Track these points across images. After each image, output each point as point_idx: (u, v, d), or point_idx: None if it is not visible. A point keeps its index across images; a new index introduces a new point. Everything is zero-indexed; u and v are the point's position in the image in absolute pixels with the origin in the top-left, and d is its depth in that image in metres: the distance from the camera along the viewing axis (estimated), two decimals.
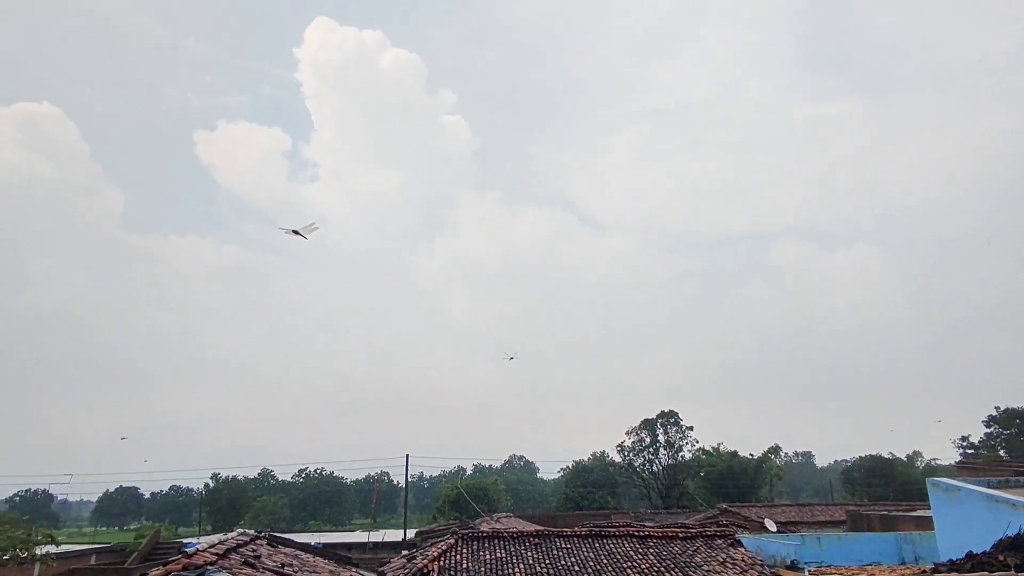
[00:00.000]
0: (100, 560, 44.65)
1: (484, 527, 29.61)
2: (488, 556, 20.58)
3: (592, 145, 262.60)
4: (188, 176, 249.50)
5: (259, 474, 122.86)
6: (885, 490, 76.48)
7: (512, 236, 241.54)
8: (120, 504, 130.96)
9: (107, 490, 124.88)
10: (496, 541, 21.96)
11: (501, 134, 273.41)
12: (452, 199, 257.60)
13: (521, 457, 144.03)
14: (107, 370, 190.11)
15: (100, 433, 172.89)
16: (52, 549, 35.33)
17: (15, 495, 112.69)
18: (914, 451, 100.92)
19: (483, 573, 19.49)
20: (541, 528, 25.66)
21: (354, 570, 19.01)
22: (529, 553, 20.87)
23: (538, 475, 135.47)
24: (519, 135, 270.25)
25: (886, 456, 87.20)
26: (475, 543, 21.73)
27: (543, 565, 20.01)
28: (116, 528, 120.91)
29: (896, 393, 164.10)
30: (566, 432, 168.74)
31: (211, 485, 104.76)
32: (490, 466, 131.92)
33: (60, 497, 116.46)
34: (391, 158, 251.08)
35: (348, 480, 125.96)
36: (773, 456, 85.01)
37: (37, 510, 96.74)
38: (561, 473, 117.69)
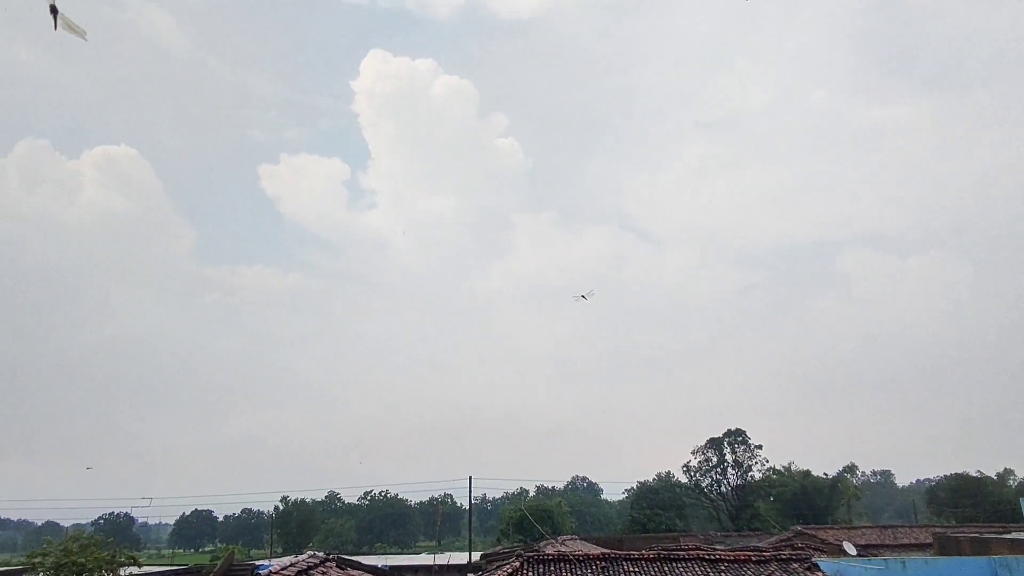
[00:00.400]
0: None
1: (549, 550, 29.24)
2: None
3: (647, 160, 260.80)
4: (254, 208, 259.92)
5: (326, 497, 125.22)
6: (974, 511, 71.88)
7: (569, 255, 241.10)
8: (195, 527, 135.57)
9: (183, 513, 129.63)
10: (562, 564, 21.67)
11: (554, 154, 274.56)
12: (507, 221, 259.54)
13: (584, 478, 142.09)
14: (182, 396, 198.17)
15: (177, 457, 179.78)
16: (135, 570, 36.77)
17: (100, 518, 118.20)
18: (1005, 469, 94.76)
19: None
20: (607, 551, 25.18)
21: None
22: None
23: (602, 496, 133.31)
24: (572, 154, 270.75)
25: (974, 475, 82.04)
26: (541, 566, 21.49)
27: None
28: (192, 550, 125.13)
29: (981, 407, 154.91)
30: (629, 452, 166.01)
31: (281, 508, 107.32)
32: (553, 488, 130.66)
33: (140, 520, 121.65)
34: (446, 182, 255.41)
35: (412, 503, 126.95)
36: (849, 475, 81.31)
37: (120, 532, 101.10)
38: (626, 495, 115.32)
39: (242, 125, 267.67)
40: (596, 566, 21.31)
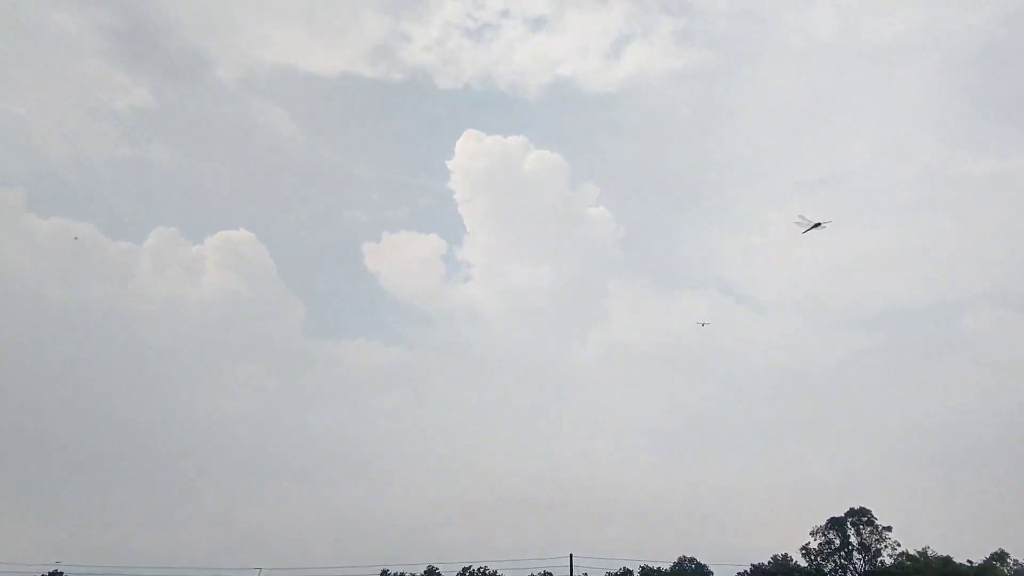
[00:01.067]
0: None
1: None
2: None
3: (744, 223, 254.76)
4: (358, 284, 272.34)
5: (425, 572, 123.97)
6: None
7: (665, 322, 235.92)
8: None
9: None
10: None
11: (646, 221, 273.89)
12: (602, 289, 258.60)
13: (692, 559, 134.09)
14: (289, 468, 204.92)
15: (285, 528, 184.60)
16: None
17: None
18: None
19: None
20: None
21: None
22: None
23: None
24: (665, 220, 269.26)
25: None
26: None
27: None
28: None
29: None
30: (740, 531, 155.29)
31: None
32: (659, 568, 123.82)
33: None
34: (539, 253, 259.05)
35: None
36: (999, 563, 72.16)
37: None
38: None
39: (348, 207, 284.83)
40: None
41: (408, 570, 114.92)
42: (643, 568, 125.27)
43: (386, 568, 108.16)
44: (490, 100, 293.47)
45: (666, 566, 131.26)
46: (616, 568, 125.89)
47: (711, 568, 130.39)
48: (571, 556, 51.64)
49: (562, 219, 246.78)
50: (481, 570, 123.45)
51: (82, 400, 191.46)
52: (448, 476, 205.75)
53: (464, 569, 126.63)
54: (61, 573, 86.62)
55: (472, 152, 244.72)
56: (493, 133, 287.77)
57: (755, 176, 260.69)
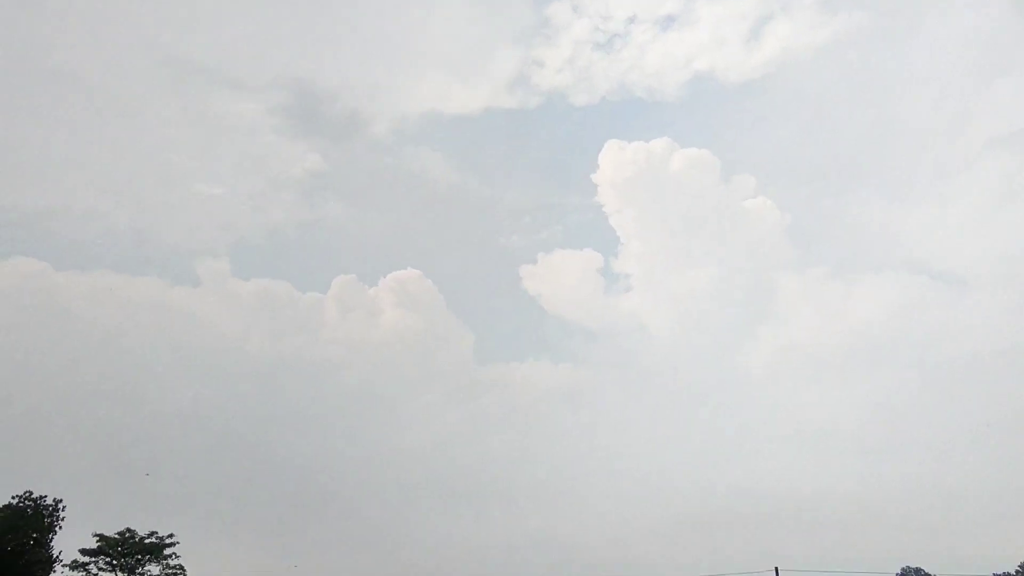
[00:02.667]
0: None
1: None
2: None
3: (930, 193, 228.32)
4: (520, 308, 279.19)
5: None
6: None
7: (848, 313, 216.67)
8: None
9: None
10: None
11: (814, 205, 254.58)
12: (771, 284, 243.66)
13: (917, 569, 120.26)
14: (476, 493, 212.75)
15: (475, 553, 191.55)
16: None
17: None
18: None
19: None
20: None
21: None
22: None
23: None
24: (835, 201, 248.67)
25: None
26: None
27: None
28: None
29: None
30: (971, 537, 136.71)
31: None
32: None
33: None
34: (699, 255, 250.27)
35: None
36: None
37: None
38: None
39: (503, 234, 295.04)
40: None
41: None
42: None
43: None
44: (628, 108, 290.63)
45: None
46: None
47: None
48: (776, 569, 48.42)
49: (719, 216, 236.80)
50: None
51: (286, 441, 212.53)
52: (635, 494, 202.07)
53: None
54: None
55: (616, 162, 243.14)
56: (635, 140, 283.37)
57: (935, 140, 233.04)
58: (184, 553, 62.41)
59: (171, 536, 61.07)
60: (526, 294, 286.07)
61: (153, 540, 60.35)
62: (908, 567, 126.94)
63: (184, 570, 61.53)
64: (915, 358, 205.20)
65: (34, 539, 42.00)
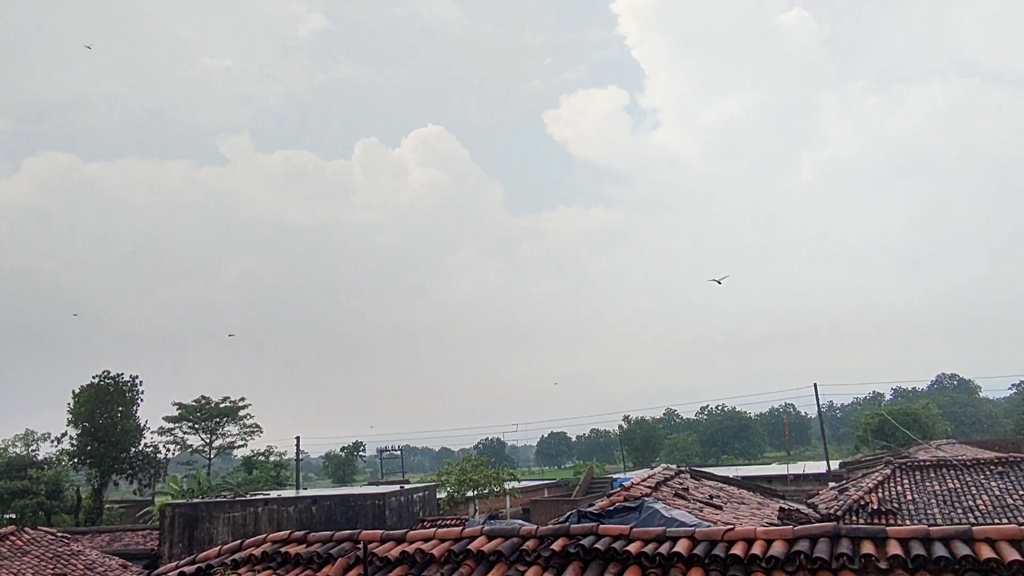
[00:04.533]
0: (551, 493, 52.81)
1: (922, 455, 26.29)
2: (937, 487, 18.22)
3: None
4: (546, 155, 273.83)
5: (664, 414, 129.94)
6: None
7: (892, 126, 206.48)
8: (554, 446, 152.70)
9: (542, 435, 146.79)
10: (943, 471, 19.31)
11: (852, 13, 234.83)
12: (810, 103, 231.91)
13: (953, 376, 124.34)
14: (521, 336, 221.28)
15: (531, 390, 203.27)
16: (515, 484, 43.10)
17: (479, 443, 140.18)
18: None
19: (934, 505, 17.31)
20: (1002, 454, 21.67)
21: (781, 502, 18.71)
22: (993, 483, 17.81)
23: (981, 395, 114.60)
24: (875, 7, 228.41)
25: None
26: (917, 473, 19.44)
27: (1015, 496, 16.86)
28: (554, 467, 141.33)
29: None
30: (1011, 342, 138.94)
31: (624, 427, 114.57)
32: (913, 389, 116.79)
33: (510, 443, 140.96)
34: (733, 80, 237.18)
35: (752, 415, 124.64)
36: None
37: (496, 454, 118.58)
38: (1013, 391, 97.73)
39: (524, 79, 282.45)
40: (991, 471, 18.50)
41: (648, 414, 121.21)
42: (895, 390, 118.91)
43: (627, 414, 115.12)
44: None
45: (922, 386, 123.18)
46: (864, 393, 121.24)
47: (978, 383, 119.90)
48: (815, 385, 50.47)
49: (751, 35, 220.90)
50: (719, 408, 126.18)
51: (336, 305, 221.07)
52: (675, 326, 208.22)
53: (702, 408, 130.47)
54: (362, 443, 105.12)
55: None
56: None
57: None
58: (257, 413, 68.17)
59: (243, 399, 66.37)
60: (551, 140, 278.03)
61: (227, 404, 65.72)
62: (943, 374, 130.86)
63: (260, 428, 67.45)
64: (963, 165, 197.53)
65: (120, 412, 45.99)
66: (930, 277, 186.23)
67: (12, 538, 17.50)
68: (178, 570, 7.44)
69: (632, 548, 5.88)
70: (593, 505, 11.88)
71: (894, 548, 5.24)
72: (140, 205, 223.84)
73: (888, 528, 5.54)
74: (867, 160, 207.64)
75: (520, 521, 15.23)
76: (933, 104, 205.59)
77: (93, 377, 45.93)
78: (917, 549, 5.16)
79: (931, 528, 5.40)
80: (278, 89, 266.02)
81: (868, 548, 5.31)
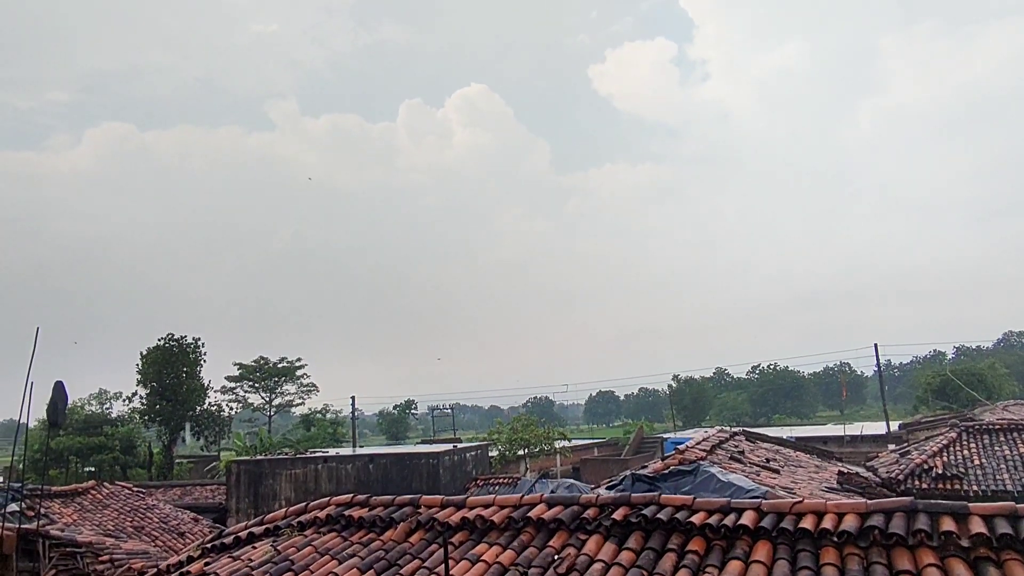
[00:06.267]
0: (601, 452, 53.16)
1: (989, 417, 25.34)
2: (1008, 451, 17.52)
3: None
4: (592, 111, 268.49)
5: (714, 373, 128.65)
6: None
7: (965, 70, 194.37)
8: (602, 405, 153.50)
9: (591, 394, 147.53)
10: (1013, 434, 18.54)
11: None
12: (872, 49, 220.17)
13: (1022, 333, 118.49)
14: (569, 295, 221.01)
15: (581, 349, 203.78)
16: (565, 443, 43.49)
17: (527, 401, 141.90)
18: None
19: (1004, 470, 16.68)
20: None
21: (839, 464, 18.33)
22: None
23: None
24: None
25: None
26: (985, 436, 18.72)
27: None
28: (603, 425, 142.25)
29: None
30: None
31: (673, 386, 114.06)
32: (978, 348, 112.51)
33: (559, 402, 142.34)
34: (786, 27, 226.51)
35: (805, 374, 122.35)
36: None
37: (544, 413, 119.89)
38: None
39: (568, 34, 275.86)
40: None
41: (697, 373, 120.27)
42: (958, 348, 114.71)
43: (677, 373, 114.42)
44: None
45: (988, 344, 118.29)
46: (924, 352, 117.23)
47: None
48: (875, 345, 48.90)
49: None
50: (771, 367, 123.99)
51: (391, 267, 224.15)
52: (729, 283, 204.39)
53: (753, 367, 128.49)
54: (414, 400, 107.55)
55: None
56: None
57: None
58: (312, 372, 70.42)
59: (299, 359, 68.52)
60: (597, 95, 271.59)
61: (284, 364, 67.97)
62: (1011, 331, 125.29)
63: (316, 387, 69.70)
64: None
65: (185, 372, 48.05)
66: (1001, 230, 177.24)
67: (93, 492, 18.57)
68: (247, 530, 7.72)
69: (696, 519, 5.78)
70: (647, 467, 11.80)
71: (977, 525, 5.00)
72: (195, 171, 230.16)
73: (970, 504, 5.28)
74: (933, 108, 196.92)
75: (572, 480, 15.35)
76: (1008, 46, 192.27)
77: (159, 339, 48.07)
78: (1003, 527, 4.91)
79: (1019, 506, 5.11)
80: (323, 53, 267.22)
81: (948, 525, 5.08)
